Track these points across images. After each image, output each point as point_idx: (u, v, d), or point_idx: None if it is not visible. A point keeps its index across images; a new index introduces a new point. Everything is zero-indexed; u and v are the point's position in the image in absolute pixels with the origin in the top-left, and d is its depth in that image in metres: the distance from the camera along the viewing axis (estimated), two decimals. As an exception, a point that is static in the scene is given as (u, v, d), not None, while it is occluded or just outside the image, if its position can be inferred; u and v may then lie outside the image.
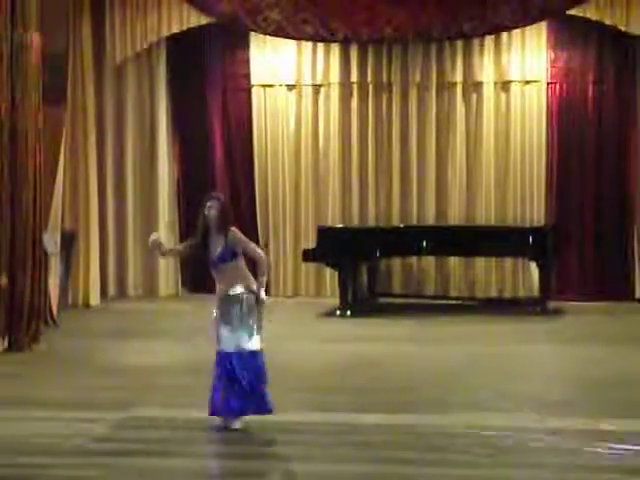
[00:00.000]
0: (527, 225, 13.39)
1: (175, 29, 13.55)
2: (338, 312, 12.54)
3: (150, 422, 7.55)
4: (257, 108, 14.33)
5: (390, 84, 14.05)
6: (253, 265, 7.19)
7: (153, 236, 7.40)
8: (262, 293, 7.15)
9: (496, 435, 7.08)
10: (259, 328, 7.14)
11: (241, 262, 7.18)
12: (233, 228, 7.21)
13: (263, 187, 14.37)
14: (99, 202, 13.87)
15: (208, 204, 7.18)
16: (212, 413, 7.18)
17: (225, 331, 7.10)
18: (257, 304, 7.11)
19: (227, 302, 7.11)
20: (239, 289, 7.11)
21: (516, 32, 13.61)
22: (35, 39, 10.73)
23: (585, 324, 12.08)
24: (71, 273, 13.15)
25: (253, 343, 7.09)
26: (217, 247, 7.15)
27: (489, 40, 13.75)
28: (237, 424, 7.15)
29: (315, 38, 13.62)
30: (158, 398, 8.27)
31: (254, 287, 7.10)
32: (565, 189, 13.85)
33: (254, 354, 7.10)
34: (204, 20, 13.45)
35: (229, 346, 7.08)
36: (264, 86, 14.32)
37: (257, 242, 14.47)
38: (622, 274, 13.68)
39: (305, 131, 14.29)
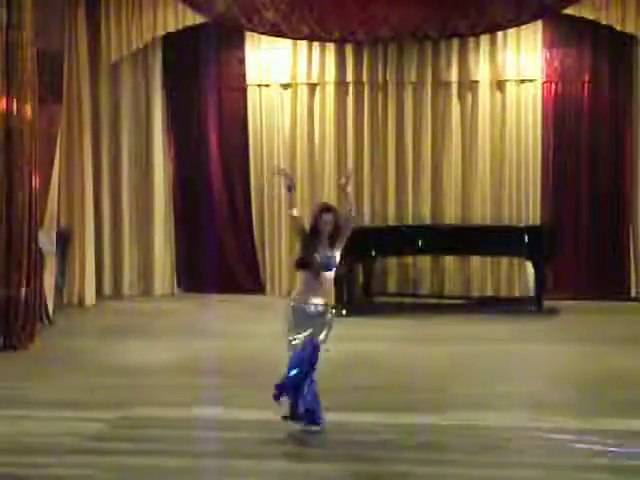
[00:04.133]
0: (522, 224, 13.37)
1: (170, 28, 13.53)
2: (333, 311, 12.48)
3: (146, 421, 7.55)
4: (252, 107, 14.31)
5: (385, 83, 14.03)
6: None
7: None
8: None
9: (492, 434, 7.09)
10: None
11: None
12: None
13: (259, 186, 14.36)
14: (94, 201, 13.86)
15: (324, 217, 7.17)
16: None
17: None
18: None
19: (314, 313, 7.34)
20: (328, 301, 7.35)
21: (511, 31, 13.60)
22: (30, 37, 10.71)
23: (581, 323, 12.07)
24: (67, 272, 13.15)
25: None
26: (325, 252, 7.21)
27: (484, 39, 13.73)
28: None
29: (311, 37, 13.61)
30: (154, 397, 8.27)
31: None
32: (560, 188, 13.85)
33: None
34: (199, 19, 13.43)
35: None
36: (259, 85, 14.30)
37: (252, 240, 14.49)
38: (618, 273, 13.68)
39: (300, 130, 14.26)
